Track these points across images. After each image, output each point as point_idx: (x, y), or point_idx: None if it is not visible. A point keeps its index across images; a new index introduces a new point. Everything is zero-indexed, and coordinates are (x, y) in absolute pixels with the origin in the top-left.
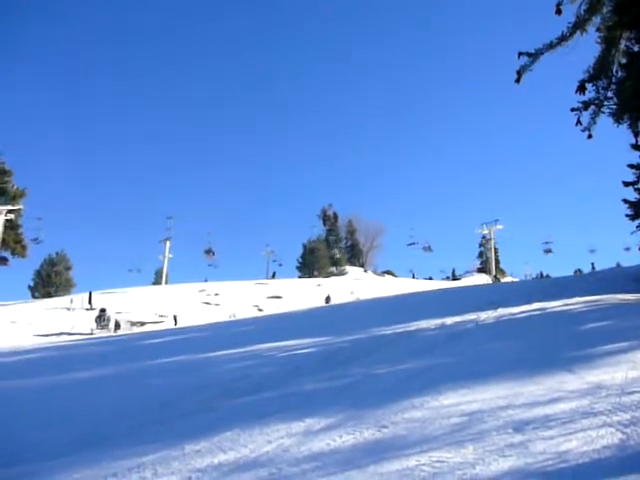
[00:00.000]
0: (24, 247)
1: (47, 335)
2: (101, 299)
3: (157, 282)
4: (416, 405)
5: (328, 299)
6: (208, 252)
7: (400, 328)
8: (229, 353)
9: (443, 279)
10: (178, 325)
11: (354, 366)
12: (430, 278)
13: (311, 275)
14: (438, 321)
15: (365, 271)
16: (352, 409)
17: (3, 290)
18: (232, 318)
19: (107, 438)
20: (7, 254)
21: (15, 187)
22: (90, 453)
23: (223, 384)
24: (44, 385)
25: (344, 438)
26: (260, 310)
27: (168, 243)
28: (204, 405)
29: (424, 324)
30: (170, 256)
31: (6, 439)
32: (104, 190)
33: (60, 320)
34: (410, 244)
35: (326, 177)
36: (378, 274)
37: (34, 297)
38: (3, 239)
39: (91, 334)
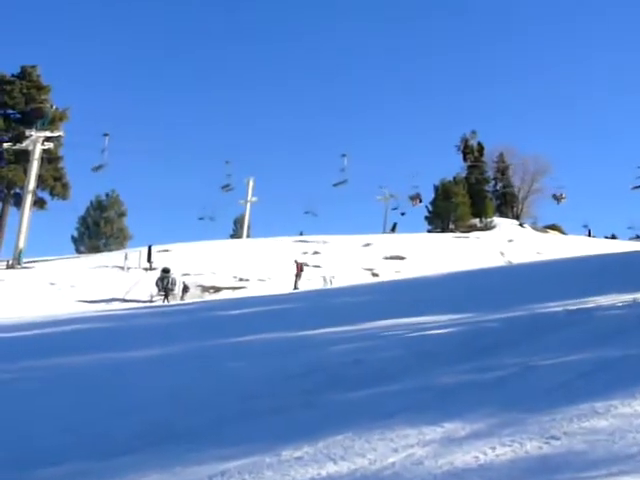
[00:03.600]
0: (66, 186)
1: (94, 302)
2: (164, 256)
3: (236, 235)
4: (599, 411)
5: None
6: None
7: (571, 304)
8: (336, 331)
9: (632, 238)
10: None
11: (508, 354)
12: (613, 237)
13: (445, 229)
14: (627, 297)
15: (521, 225)
16: (507, 412)
17: (40, 242)
18: (329, 284)
19: (178, 435)
20: (45, 194)
21: (54, 107)
22: (158, 453)
23: (329, 371)
24: (94, 366)
25: (498, 451)
26: (375, 275)
27: (251, 182)
28: (304, 398)
29: (606, 300)
30: (254, 200)
31: (54, 431)
32: (165, 116)
33: (111, 283)
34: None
35: (470, 97)
36: (539, 229)
37: (78, 252)
38: (39, 175)
39: (151, 302)
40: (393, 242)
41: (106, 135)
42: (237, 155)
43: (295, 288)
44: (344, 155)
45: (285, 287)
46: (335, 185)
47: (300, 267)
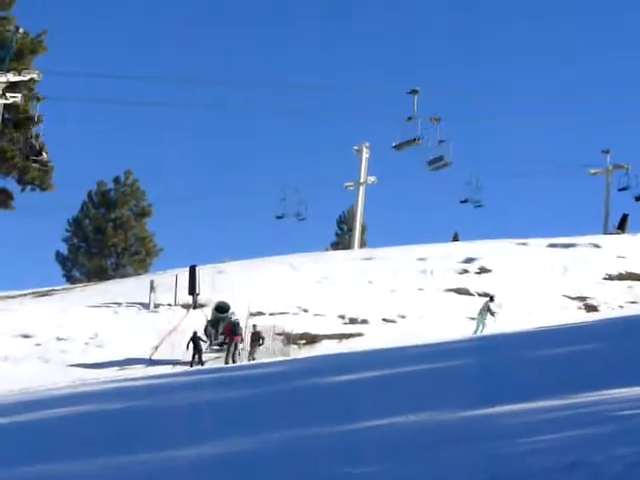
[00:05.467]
0: (46, 168)
1: (100, 366)
2: (218, 283)
3: (342, 243)
4: None
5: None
6: None
7: None
8: (530, 409)
9: None
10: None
11: None
12: None
13: None
14: None
15: None
16: None
17: (3, 264)
18: (482, 325)
19: None
20: (10, 183)
21: (20, 31)
22: None
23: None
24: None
25: None
26: (591, 308)
27: (366, 152)
28: None
29: None
30: (371, 181)
31: None
32: (208, 52)
33: (128, 332)
34: None
35: None
36: None
37: (70, 280)
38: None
39: (198, 363)
40: (623, 248)
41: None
42: (342, 113)
43: (250, 359)
44: (414, 92)
45: (435, 332)
46: (432, 165)
47: (253, 335)
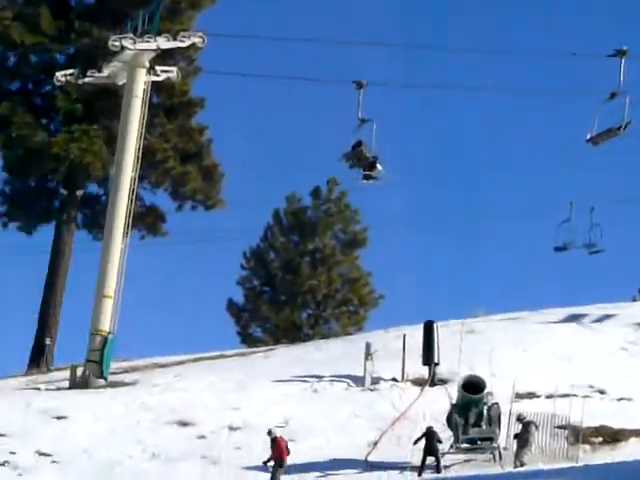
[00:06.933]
0: (213, 174)
1: (290, 469)
2: (468, 350)
3: None
4: None
5: None
6: None
7: None
8: None
9: None
10: None
11: None
12: None
13: None
14: None
15: None
16: None
17: (150, 319)
18: None
19: None
20: (161, 197)
21: None
22: None
23: None
24: None
25: None
26: None
27: None
28: None
29: None
30: None
31: None
32: None
33: (331, 420)
34: None
35: None
36: None
37: (247, 341)
38: (147, 148)
39: (434, 469)
40: None
41: (360, 86)
42: None
43: (516, 464)
44: (621, 53)
45: None
46: None
47: None
